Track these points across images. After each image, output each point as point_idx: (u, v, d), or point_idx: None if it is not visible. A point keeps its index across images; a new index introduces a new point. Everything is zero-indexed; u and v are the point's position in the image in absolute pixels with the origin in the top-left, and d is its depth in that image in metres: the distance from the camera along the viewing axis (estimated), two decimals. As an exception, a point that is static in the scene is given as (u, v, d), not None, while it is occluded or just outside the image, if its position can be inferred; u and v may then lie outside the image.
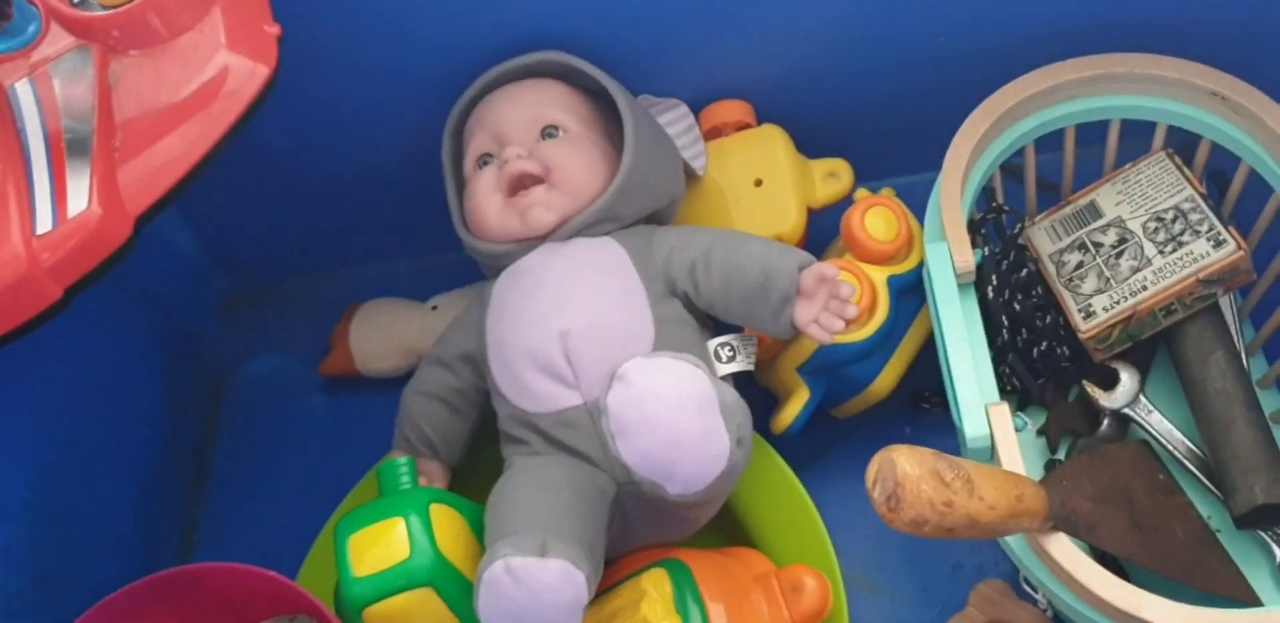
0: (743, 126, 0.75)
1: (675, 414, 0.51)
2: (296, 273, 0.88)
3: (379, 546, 0.59)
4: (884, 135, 0.77)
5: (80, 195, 0.52)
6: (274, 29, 0.57)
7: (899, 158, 0.77)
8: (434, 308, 0.80)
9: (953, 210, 0.63)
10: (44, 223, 0.52)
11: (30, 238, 0.51)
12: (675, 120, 0.74)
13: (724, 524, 0.65)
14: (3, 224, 0.51)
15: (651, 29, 0.71)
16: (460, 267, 0.80)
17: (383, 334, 0.80)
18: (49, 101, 0.55)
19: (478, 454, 0.70)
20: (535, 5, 0.69)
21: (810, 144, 0.75)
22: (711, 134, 0.75)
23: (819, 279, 0.60)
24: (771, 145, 0.74)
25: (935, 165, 0.67)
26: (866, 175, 0.75)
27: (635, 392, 0.52)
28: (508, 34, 0.70)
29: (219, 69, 0.55)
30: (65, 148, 0.54)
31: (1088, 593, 0.52)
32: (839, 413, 0.70)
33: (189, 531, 0.79)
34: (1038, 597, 0.63)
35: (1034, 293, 0.66)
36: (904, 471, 0.47)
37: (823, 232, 0.73)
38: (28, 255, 0.51)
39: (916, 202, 0.69)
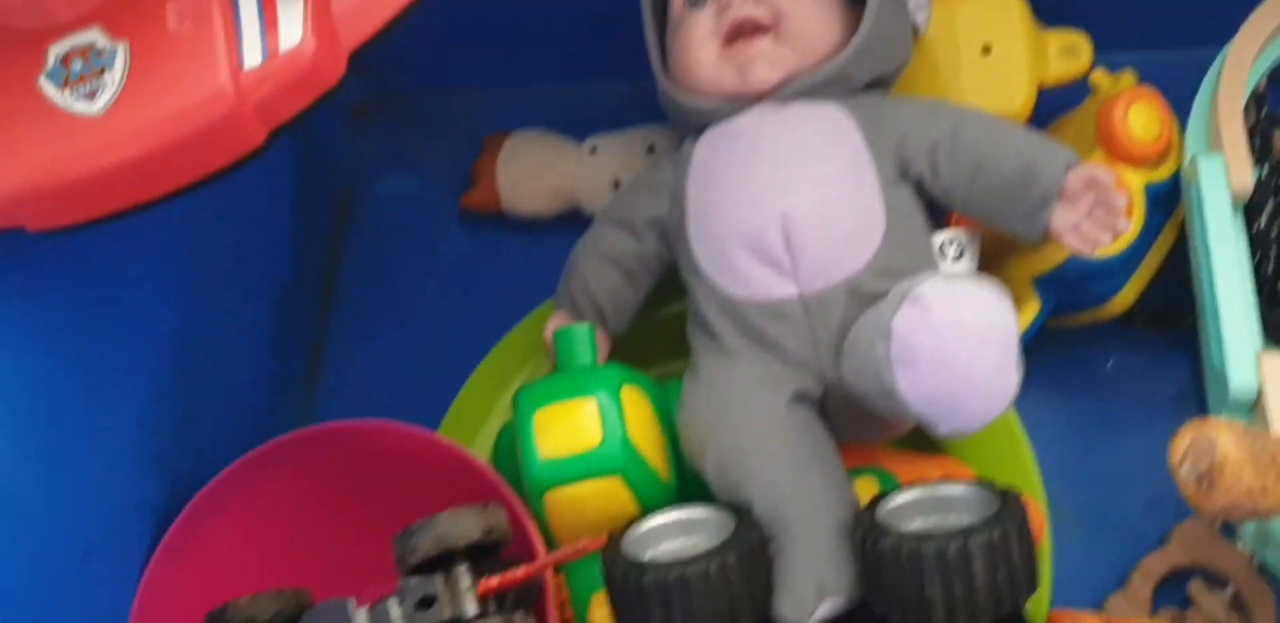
0: (974, -19, 0.67)
1: (975, 353, 0.46)
2: (433, 86, 0.80)
3: (567, 427, 0.55)
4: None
5: (293, 26, 0.45)
6: None
7: (1139, 29, 0.69)
8: (592, 150, 0.73)
9: (1232, 117, 0.57)
10: (252, 56, 0.45)
11: (238, 72, 0.44)
12: (902, -39, 0.65)
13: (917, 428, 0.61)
14: (209, 55, 0.44)
15: None
16: (619, 100, 0.74)
17: (533, 173, 0.74)
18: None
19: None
20: None
21: (1041, 5, 0.67)
22: (937, -14, 0.67)
23: (1089, 182, 0.54)
24: (1006, 8, 0.66)
25: (1189, 40, 0.60)
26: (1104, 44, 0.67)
27: (933, 320, 0.46)
28: None
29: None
30: (276, -33, 0.46)
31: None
32: (1056, 324, 0.64)
33: (314, 367, 0.74)
34: (1240, 543, 0.60)
35: (1286, 215, 0.60)
36: (1224, 452, 0.42)
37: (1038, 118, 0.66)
38: (235, 92, 0.44)
39: (1164, 85, 0.62)
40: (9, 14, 0.44)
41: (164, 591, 0.56)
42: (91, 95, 0.44)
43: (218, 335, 0.65)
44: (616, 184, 0.72)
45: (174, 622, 0.56)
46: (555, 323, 0.63)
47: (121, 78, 0.44)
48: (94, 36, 0.44)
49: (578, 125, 0.75)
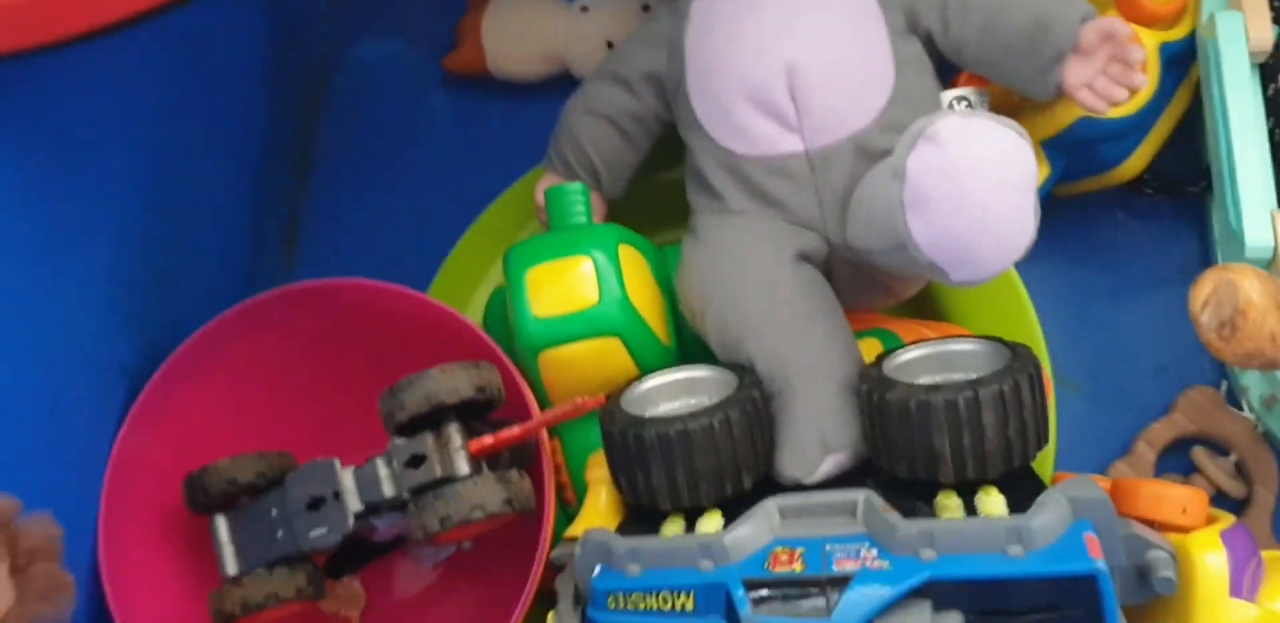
0: None
1: (991, 194, 0.44)
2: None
3: (562, 285, 0.53)
4: None
5: None
6: None
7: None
8: (584, 9, 0.70)
9: (1254, -30, 0.54)
10: None
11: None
12: None
13: (919, 297, 0.60)
14: None
15: None
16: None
17: (521, 33, 0.71)
18: None
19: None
20: None
21: None
22: None
23: (1105, 36, 0.52)
24: None
25: None
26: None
27: (948, 159, 0.44)
28: None
29: None
30: None
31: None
32: (1059, 191, 0.63)
33: (291, 232, 0.72)
34: (1245, 410, 0.59)
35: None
36: (1248, 297, 0.41)
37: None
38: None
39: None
40: None
41: (138, 454, 0.54)
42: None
43: (193, 196, 0.62)
44: (610, 46, 0.69)
45: (150, 485, 0.54)
46: (546, 184, 0.61)
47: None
48: None
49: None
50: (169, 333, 0.57)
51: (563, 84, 0.70)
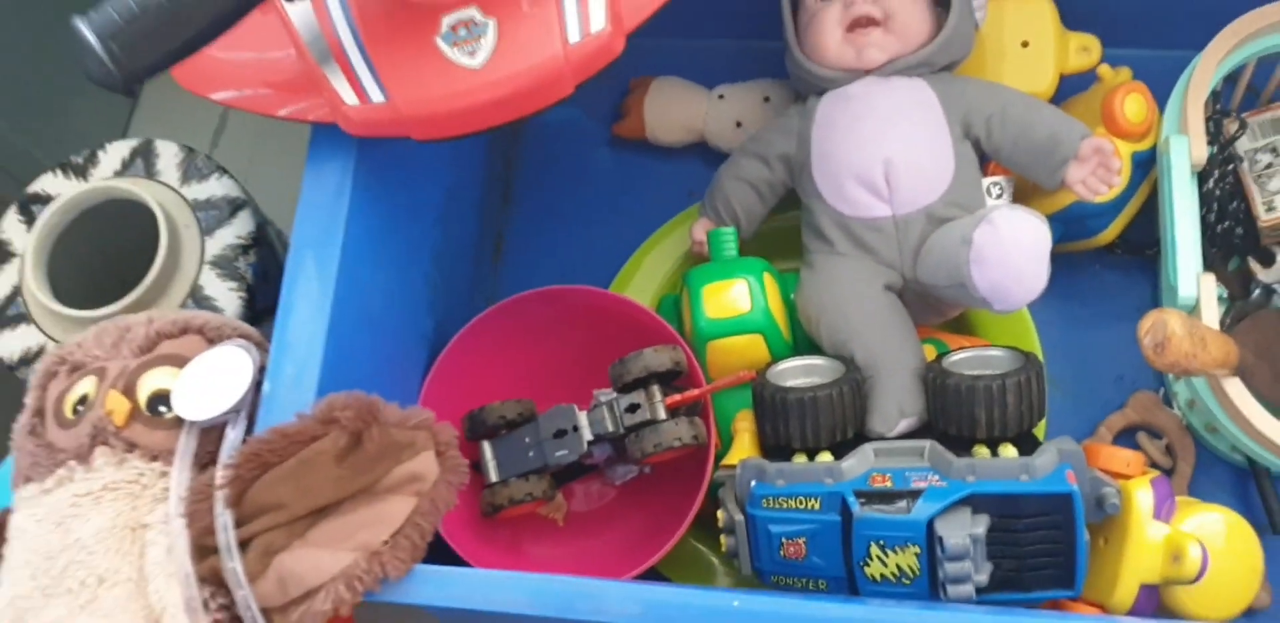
0: (1019, -9, 0.90)
1: (1025, 260, 0.70)
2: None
3: (726, 298, 0.79)
4: (1132, 11, 0.92)
5: (599, 15, 0.66)
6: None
7: (1139, 32, 0.91)
8: (720, 96, 0.96)
9: (1196, 111, 0.80)
10: (573, 35, 0.66)
11: (566, 44, 0.66)
12: (969, -27, 0.88)
13: (958, 318, 0.86)
14: (549, 33, 0.66)
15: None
16: (736, 57, 0.97)
17: (673, 110, 0.96)
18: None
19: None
20: None
21: (1066, 12, 0.90)
22: (994, -7, 0.90)
23: (1096, 149, 0.78)
24: (1042, 13, 0.89)
25: (1170, 43, 0.84)
26: (1107, 41, 0.89)
27: (1000, 235, 0.70)
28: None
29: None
30: (584, -28, 0.68)
31: (1247, 424, 0.75)
32: (1057, 249, 0.89)
33: (497, 252, 0.98)
34: (1175, 409, 0.86)
35: (1227, 182, 0.85)
36: (1173, 329, 0.67)
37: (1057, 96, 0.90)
38: (564, 58, 0.66)
39: (1150, 78, 0.86)
40: (418, -6, 0.66)
41: (434, 395, 0.80)
42: (472, 53, 0.66)
43: (459, 223, 0.88)
44: (738, 124, 0.95)
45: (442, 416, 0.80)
46: (704, 226, 0.87)
47: (493, 42, 0.66)
48: (473, 13, 0.66)
49: (706, 75, 0.98)
50: (447, 314, 0.83)
51: (699, 150, 0.97)
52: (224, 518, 0.62)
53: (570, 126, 1.00)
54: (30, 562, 0.66)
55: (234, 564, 0.61)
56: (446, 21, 0.66)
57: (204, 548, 0.63)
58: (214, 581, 0.62)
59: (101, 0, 0.60)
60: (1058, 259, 0.88)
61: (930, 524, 0.66)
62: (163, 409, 0.68)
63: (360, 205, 0.70)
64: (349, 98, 0.66)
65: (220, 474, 0.63)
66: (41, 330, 0.85)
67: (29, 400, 0.72)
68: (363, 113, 0.66)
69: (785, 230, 0.87)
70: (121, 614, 0.64)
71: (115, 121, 1.10)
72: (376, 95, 0.66)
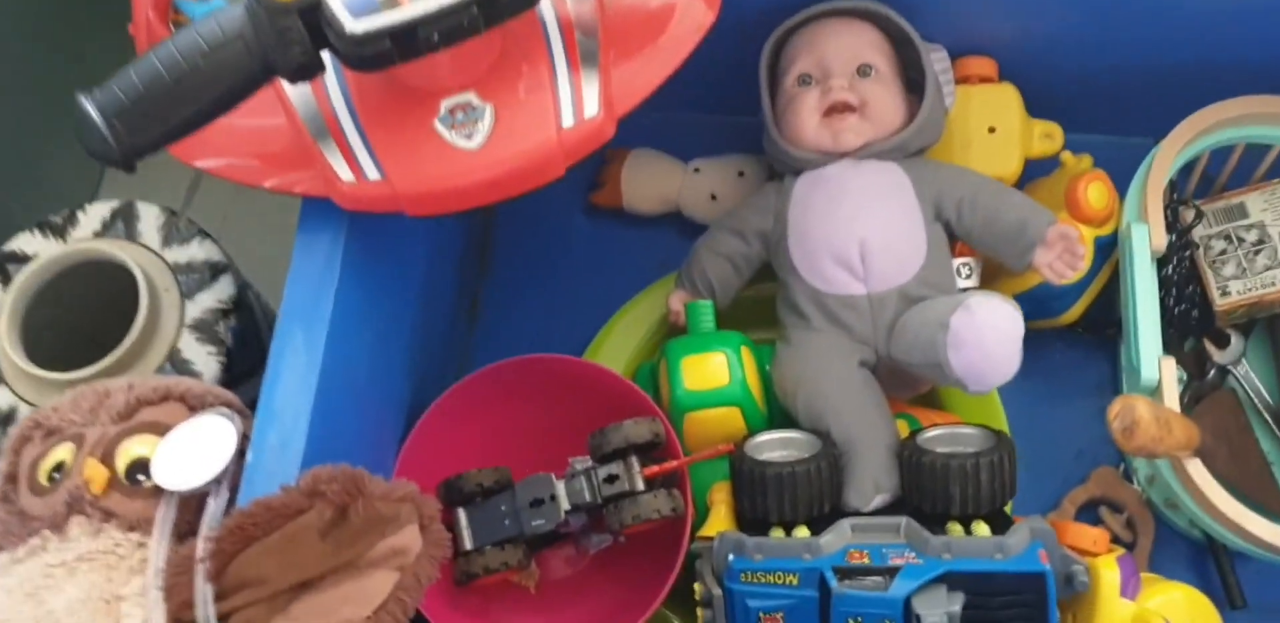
0: (985, 79, 0.93)
1: (1000, 345, 0.73)
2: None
3: (705, 370, 0.81)
4: (1092, 100, 0.96)
5: (593, 101, 0.68)
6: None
7: (1098, 120, 0.96)
8: (696, 170, 0.98)
9: (1156, 201, 0.84)
10: (567, 119, 0.68)
11: (560, 129, 0.68)
12: (938, 61, 0.91)
13: (928, 393, 0.89)
14: (545, 118, 0.68)
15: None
16: (711, 131, 0.99)
17: (649, 182, 0.98)
18: (564, 17, 0.70)
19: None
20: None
21: (1030, 100, 0.94)
22: (958, 81, 0.93)
23: (1062, 235, 0.81)
24: (1008, 100, 0.92)
25: (1128, 131, 0.86)
26: (1069, 128, 0.93)
27: (977, 321, 0.72)
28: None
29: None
30: (580, 59, 0.70)
31: (1207, 502, 0.77)
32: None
33: (472, 318, 0.99)
34: (1135, 484, 0.88)
35: (1184, 267, 0.88)
36: (1140, 414, 0.69)
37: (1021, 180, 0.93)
38: (558, 141, 0.68)
39: (1108, 162, 0.89)
40: (417, 78, 0.67)
41: (410, 462, 0.80)
42: (469, 136, 0.67)
43: (436, 293, 0.89)
44: (713, 197, 0.97)
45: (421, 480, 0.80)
46: (680, 297, 0.89)
47: (490, 126, 0.67)
48: (470, 97, 0.68)
49: (683, 148, 1.00)
50: (422, 379, 0.84)
51: (674, 220, 0.98)
52: (204, 592, 0.62)
53: (548, 194, 1.00)
54: (1, 634, 0.65)
55: (214, 640, 0.61)
56: (445, 105, 0.68)
57: (181, 622, 0.63)
58: (192, 656, 0.62)
59: (107, 78, 0.61)
60: (1025, 337, 0.91)
61: (908, 602, 0.68)
62: (141, 478, 0.68)
63: (349, 277, 0.71)
64: (345, 174, 0.68)
65: (201, 546, 0.63)
66: (14, 393, 0.85)
67: (1, 465, 0.72)
68: (359, 189, 0.67)
69: (759, 301, 0.89)
70: (97, 689, 0.63)
71: (89, 177, 1.09)
72: (373, 173, 0.67)
